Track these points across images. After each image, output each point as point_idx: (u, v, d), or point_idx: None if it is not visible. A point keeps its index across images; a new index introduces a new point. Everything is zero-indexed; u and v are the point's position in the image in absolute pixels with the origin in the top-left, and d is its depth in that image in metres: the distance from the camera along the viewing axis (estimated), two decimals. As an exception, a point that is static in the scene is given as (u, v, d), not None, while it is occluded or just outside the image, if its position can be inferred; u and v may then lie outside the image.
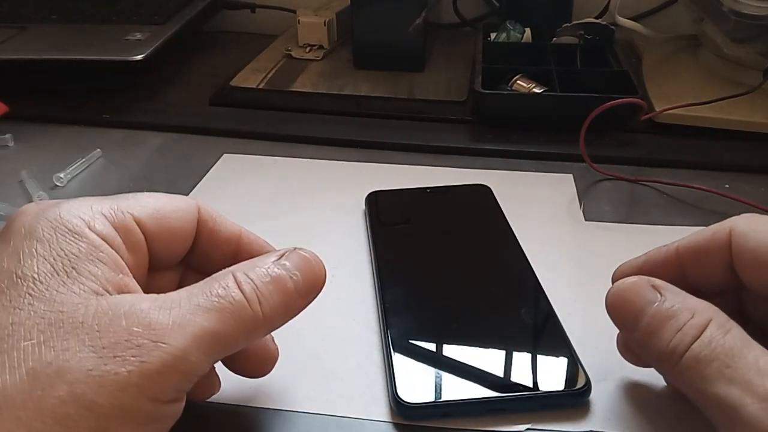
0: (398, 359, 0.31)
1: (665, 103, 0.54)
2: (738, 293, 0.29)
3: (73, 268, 0.23)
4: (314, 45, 0.70)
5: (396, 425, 0.29)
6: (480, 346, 0.32)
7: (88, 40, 0.63)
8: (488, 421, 0.29)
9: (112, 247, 0.25)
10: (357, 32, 0.66)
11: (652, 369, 0.31)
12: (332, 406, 0.30)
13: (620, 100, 0.48)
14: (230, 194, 0.47)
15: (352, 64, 0.67)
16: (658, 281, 0.27)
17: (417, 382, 0.30)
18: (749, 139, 0.52)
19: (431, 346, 0.32)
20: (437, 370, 0.31)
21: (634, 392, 0.31)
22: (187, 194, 0.46)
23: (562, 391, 0.30)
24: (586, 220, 0.44)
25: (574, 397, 0.30)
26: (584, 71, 0.60)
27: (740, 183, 0.48)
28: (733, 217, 0.28)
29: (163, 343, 0.22)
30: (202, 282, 0.25)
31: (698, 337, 0.24)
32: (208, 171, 0.50)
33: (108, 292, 0.23)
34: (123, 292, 0.24)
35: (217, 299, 0.24)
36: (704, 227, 0.29)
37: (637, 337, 0.26)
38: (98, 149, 0.53)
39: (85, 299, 0.22)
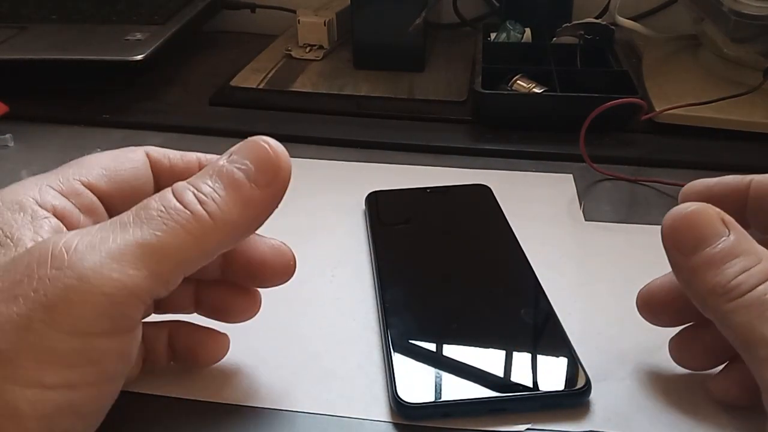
0: (398, 359, 0.31)
1: (665, 103, 0.54)
2: None
3: (6, 236, 0.22)
4: (314, 45, 0.70)
5: (396, 425, 0.29)
6: (480, 346, 0.32)
7: (88, 40, 0.63)
8: (488, 421, 0.29)
9: (62, 215, 0.24)
10: (357, 32, 0.66)
11: (653, 369, 0.31)
12: (332, 406, 0.30)
13: (620, 100, 0.48)
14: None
15: (352, 64, 0.67)
16: (728, 217, 0.26)
17: (417, 382, 0.30)
18: (749, 139, 0.52)
19: (431, 346, 0.32)
20: (437, 370, 0.31)
21: (635, 392, 0.31)
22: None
23: (562, 391, 0.30)
24: (586, 220, 0.44)
25: (574, 397, 0.30)
26: (584, 71, 0.60)
27: (740, 183, 0.48)
28: None
29: (66, 267, 0.20)
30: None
31: (764, 282, 0.24)
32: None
33: None
34: None
35: (146, 212, 0.22)
36: None
37: (692, 264, 0.26)
38: (98, 149, 0.52)
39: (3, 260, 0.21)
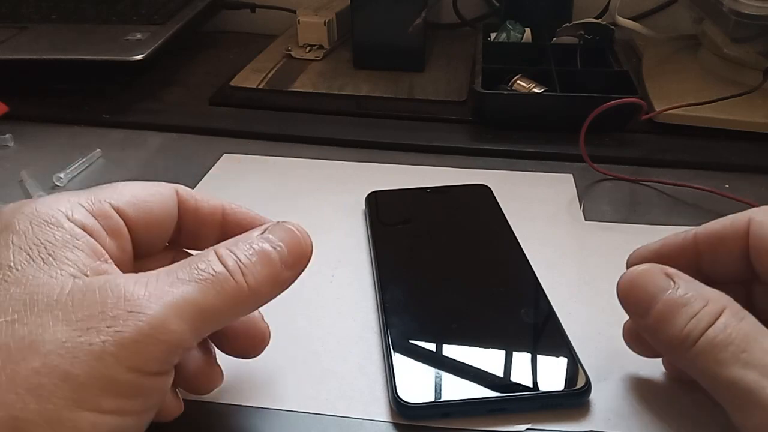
0: (398, 359, 0.31)
1: (665, 103, 0.54)
2: (749, 285, 0.29)
3: (49, 254, 0.23)
4: (314, 45, 0.70)
5: (396, 425, 0.29)
6: (480, 346, 0.32)
7: (88, 40, 0.63)
8: (488, 421, 0.29)
9: (90, 235, 0.25)
10: (357, 32, 0.66)
11: (653, 369, 0.31)
12: (332, 406, 0.30)
13: (620, 100, 0.48)
14: (230, 194, 0.47)
15: (352, 64, 0.67)
16: (671, 269, 0.27)
17: (417, 382, 0.30)
18: (749, 139, 0.52)
19: (431, 346, 0.32)
20: (437, 370, 0.31)
21: (634, 392, 0.31)
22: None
23: (562, 391, 0.30)
24: (586, 220, 0.44)
25: (574, 397, 0.30)
26: (584, 71, 0.60)
27: (740, 183, 0.48)
28: (753, 209, 0.28)
29: (139, 312, 0.22)
30: (183, 260, 0.25)
31: (713, 324, 0.25)
32: (208, 171, 0.50)
33: (86, 275, 0.23)
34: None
35: (197, 272, 0.24)
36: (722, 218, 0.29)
37: (648, 323, 0.27)
38: (98, 149, 0.53)
39: (61, 281, 0.23)
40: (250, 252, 0.25)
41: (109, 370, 0.21)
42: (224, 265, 0.25)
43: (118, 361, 0.21)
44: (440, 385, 0.30)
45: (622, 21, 0.66)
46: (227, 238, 0.26)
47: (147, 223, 0.28)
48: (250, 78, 0.65)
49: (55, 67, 0.59)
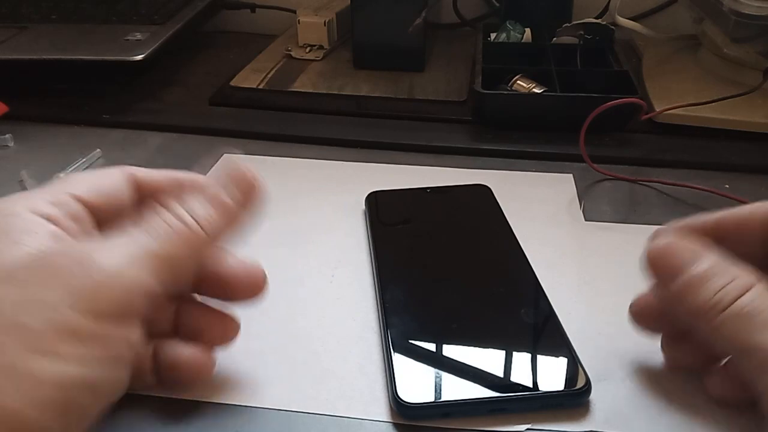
0: (398, 359, 0.31)
1: (665, 103, 0.54)
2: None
3: (8, 238, 0.25)
4: (314, 45, 0.70)
5: (396, 425, 0.29)
6: (480, 346, 0.32)
7: (88, 40, 0.63)
8: (488, 421, 0.29)
9: (51, 221, 0.26)
10: (357, 32, 0.66)
11: (653, 369, 0.31)
12: (332, 406, 0.30)
13: (620, 100, 0.48)
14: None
15: (352, 64, 0.67)
16: (702, 243, 0.28)
17: (417, 382, 0.30)
18: (749, 139, 0.52)
19: (431, 346, 0.32)
20: (437, 370, 0.31)
21: (634, 392, 0.31)
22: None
23: (562, 391, 0.30)
24: (586, 220, 0.44)
25: (574, 397, 0.30)
26: (584, 71, 0.60)
27: (740, 183, 0.48)
28: None
29: (92, 265, 0.23)
30: (135, 220, 0.27)
31: (742, 295, 0.26)
32: (208, 171, 0.50)
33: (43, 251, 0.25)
34: None
35: (151, 226, 0.26)
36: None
37: (676, 289, 0.27)
38: (98, 149, 0.53)
39: (17, 256, 0.24)
40: (201, 199, 0.27)
41: (63, 315, 0.22)
42: (178, 217, 0.26)
43: (71, 307, 0.22)
44: (440, 385, 0.30)
45: (622, 21, 0.66)
46: None
47: (106, 205, 0.29)
48: (250, 78, 0.65)
49: (55, 67, 0.59)
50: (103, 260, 0.24)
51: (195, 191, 0.28)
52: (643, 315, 0.31)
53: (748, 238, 0.29)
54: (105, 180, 0.30)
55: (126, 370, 0.25)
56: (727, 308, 0.25)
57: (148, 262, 0.25)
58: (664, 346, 0.32)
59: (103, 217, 0.29)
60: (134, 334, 0.25)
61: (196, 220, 0.27)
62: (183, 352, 0.30)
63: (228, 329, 0.31)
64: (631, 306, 0.31)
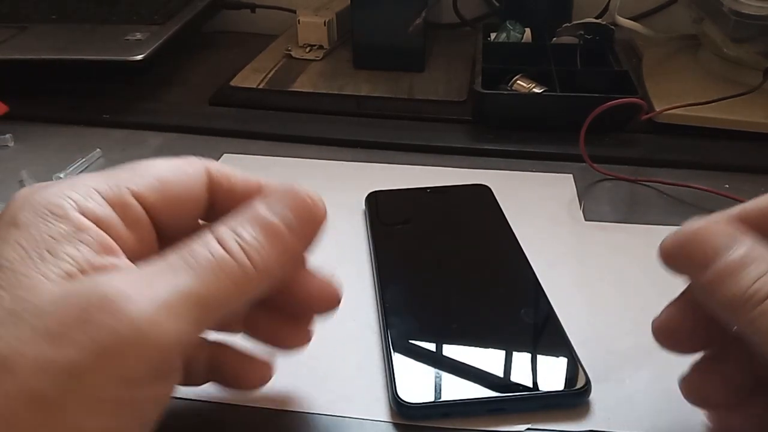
0: (398, 359, 0.31)
1: (665, 103, 0.54)
2: None
3: (47, 251, 0.21)
4: (314, 45, 0.70)
5: (396, 425, 0.29)
6: (480, 346, 0.32)
7: (88, 40, 0.63)
8: (488, 421, 0.29)
9: (101, 227, 0.23)
10: (357, 32, 0.66)
11: (653, 369, 0.31)
12: (332, 406, 0.30)
13: (620, 100, 0.48)
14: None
15: (352, 64, 0.67)
16: (736, 229, 0.25)
17: (417, 382, 0.30)
18: (749, 139, 0.52)
19: (431, 346, 0.32)
20: (437, 370, 0.31)
21: (634, 392, 0.31)
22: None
23: (562, 391, 0.30)
24: (586, 220, 0.44)
25: (574, 397, 0.30)
26: (584, 71, 0.60)
27: (740, 183, 0.48)
28: None
29: (121, 314, 0.20)
30: (179, 244, 0.22)
31: None
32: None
33: (83, 273, 0.21)
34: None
35: (192, 259, 0.22)
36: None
37: (707, 278, 0.24)
38: (98, 149, 0.53)
39: (51, 283, 0.20)
40: (253, 227, 0.23)
41: (91, 387, 0.19)
42: (224, 247, 0.22)
43: (100, 375, 0.19)
44: (440, 385, 0.30)
45: (622, 21, 0.66)
46: None
47: (171, 209, 0.25)
48: (250, 78, 0.65)
49: (55, 67, 0.59)
50: (133, 308, 0.20)
51: (246, 217, 0.23)
52: (669, 332, 0.27)
53: None
54: (178, 177, 0.25)
55: (153, 423, 0.22)
56: (766, 299, 0.22)
57: (188, 306, 0.21)
58: (687, 384, 0.27)
59: (165, 222, 0.25)
60: (168, 388, 0.22)
61: (247, 255, 0.22)
62: (243, 361, 0.28)
63: (301, 337, 0.29)
64: (653, 323, 0.27)
